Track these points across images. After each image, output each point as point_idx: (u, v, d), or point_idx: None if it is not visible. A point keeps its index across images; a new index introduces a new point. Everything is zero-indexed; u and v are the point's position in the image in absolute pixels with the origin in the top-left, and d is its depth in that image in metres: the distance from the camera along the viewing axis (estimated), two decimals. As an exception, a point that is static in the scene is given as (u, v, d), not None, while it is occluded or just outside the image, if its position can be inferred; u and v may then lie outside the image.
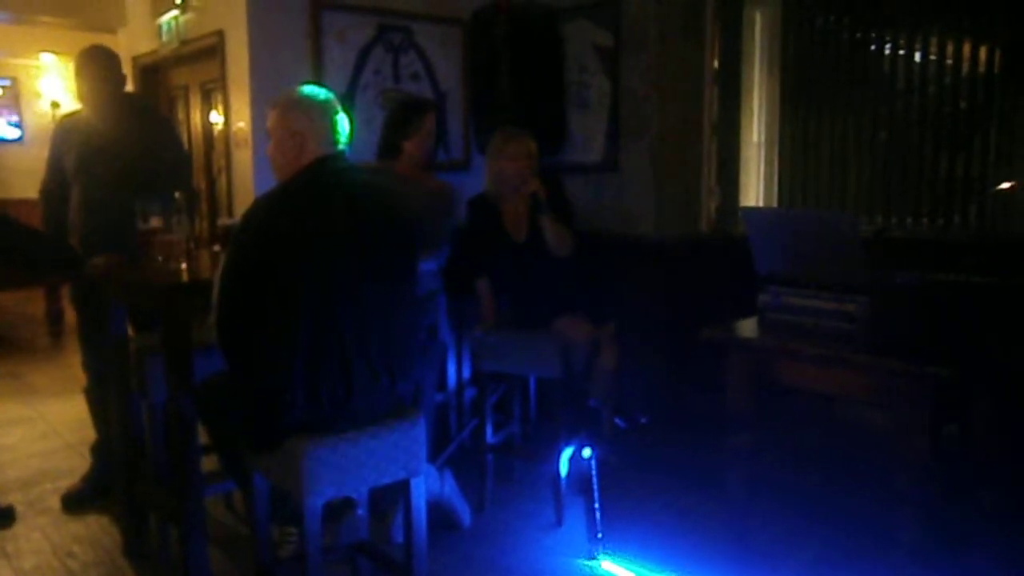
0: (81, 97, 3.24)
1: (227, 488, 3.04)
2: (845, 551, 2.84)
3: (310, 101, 2.24)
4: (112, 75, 3.23)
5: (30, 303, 6.79)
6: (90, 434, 3.47)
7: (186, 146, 4.57)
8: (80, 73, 3.19)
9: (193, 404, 2.44)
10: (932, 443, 2.23)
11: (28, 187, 3.59)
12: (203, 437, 2.57)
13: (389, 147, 3.28)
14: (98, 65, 3.19)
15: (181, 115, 4.89)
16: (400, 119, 3.28)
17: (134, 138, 3.18)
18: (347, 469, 2.12)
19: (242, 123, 3.92)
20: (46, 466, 3.82)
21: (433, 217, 3.19)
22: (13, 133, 8.75)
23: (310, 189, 2.16)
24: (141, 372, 2.75)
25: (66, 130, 3.31)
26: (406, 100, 3.64)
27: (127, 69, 5.14)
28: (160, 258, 2.87)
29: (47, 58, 8.21)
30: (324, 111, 2.22)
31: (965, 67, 3.34)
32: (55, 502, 3.37)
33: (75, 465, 3.65)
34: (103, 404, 3.31)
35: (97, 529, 3.17)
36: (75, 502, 3.34)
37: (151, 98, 5.02)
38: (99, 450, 3.42)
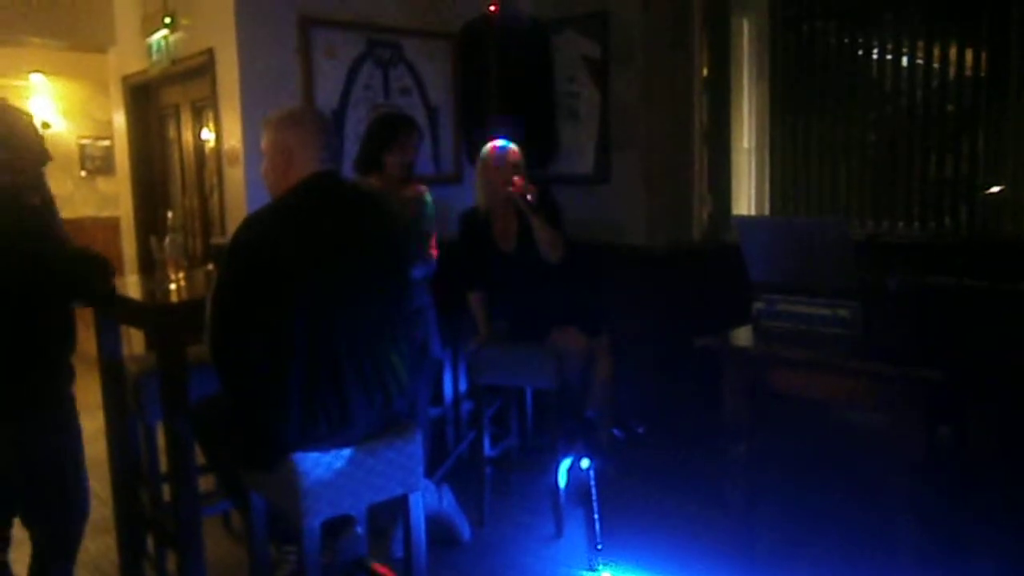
0: None
1: (224, 508, 3.03)
2: (846, 556, 2.83)
3: (301, 116, 2.25)
4: None
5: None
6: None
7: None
8: None
9: (189, 424, 2.44)
10: (926, 445, 2.24)
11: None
12: (200, 457, 2.56)
13: (371, 161, 3.26)
14: None
15: (172, 134, 4.89)
16: (385, 133, 3.26)
17: None
18: (344, 487, 2.12)
19: (234, 141, 3.91)
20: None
21: (408, 225, 3.18)
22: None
23: (303, 206, 2.16)
24: (137, 394, 2.75)
25: None
26: (390, 114, 3.61)
27: (117, 89, 5.18)
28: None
29: (36, 79, 8.20)
30: (315, 127, 2.22)
31: (952, 70, 3.37)
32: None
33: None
34: None
35: (95, 552, 3.15)
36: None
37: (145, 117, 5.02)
38: None
